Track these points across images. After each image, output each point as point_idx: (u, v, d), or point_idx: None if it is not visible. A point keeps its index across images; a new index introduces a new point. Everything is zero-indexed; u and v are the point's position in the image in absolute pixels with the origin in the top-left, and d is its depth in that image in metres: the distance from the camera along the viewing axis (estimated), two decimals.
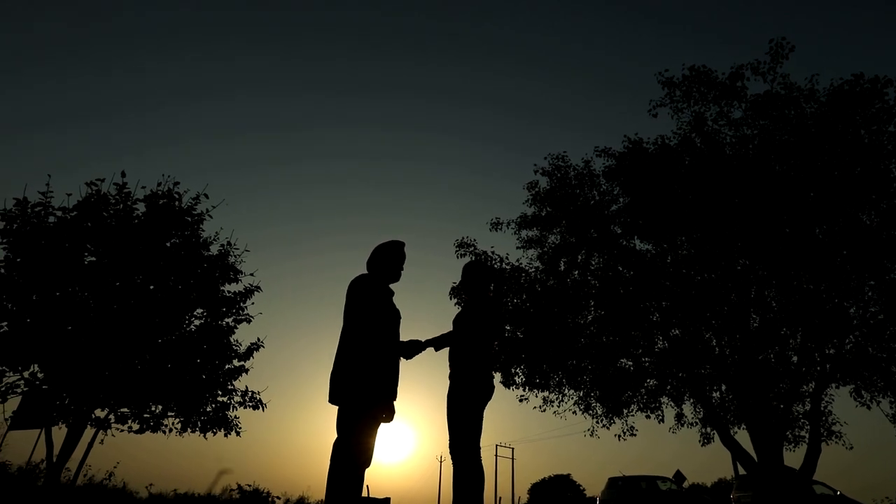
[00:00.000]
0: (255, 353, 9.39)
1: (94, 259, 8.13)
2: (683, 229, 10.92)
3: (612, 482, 15.95)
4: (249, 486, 13.63)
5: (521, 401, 11.90)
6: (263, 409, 9.37)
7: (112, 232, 8.11)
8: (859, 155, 9.60)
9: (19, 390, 7.62)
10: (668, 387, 11.58)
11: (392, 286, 3.16)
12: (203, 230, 9.24)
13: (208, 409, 8.90)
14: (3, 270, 7.50)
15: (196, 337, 8.77)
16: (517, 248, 12.79)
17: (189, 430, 8.83)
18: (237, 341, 9.32)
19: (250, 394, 9.31)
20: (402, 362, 3.25)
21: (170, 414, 8.71)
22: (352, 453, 2.61)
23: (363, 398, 2.69)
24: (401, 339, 3.07)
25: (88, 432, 8.36)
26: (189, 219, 9.00)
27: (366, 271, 3.11)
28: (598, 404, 11.79)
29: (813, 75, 10.28)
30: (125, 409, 8.56)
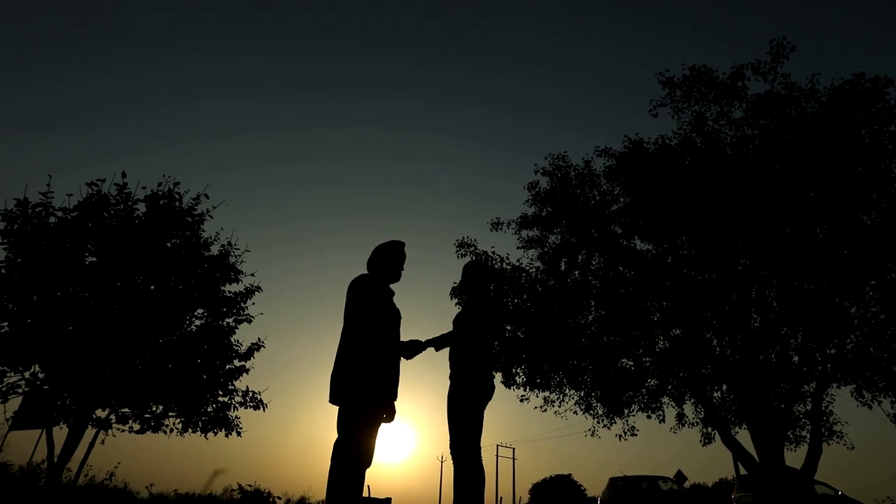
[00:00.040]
0: (255, 354, 9.40)
1: (94, 259, 8.14)
2: (684, 229, 10.91)
3: (613, 482, 15.93)
4: (250, 486, 13.63)
5: (521, 401, 11.90)
6: (264, 410, 9.38)
7: (113, 232, 8.12)
8: (860, 155, 9.59)
9: (20, 390, 7.63)
10: (669, 387, 11.57)
11: (392, 286, 3.16)
12: (203, 230, 9.25)
13: (209, 410, 8.91)
14: (3, 271, 7.51)
15: (197, 337, 8.77)
16: (518, 248, 12.80)
17: (190, 430, 8.84)
18: (238, 341, 9.33)
19: (251, 394, 9.32)
20: (403, 362, 3.24)
21: (170, 414, 8.72)
22: (352, 453, 2.61)
23: (364, 398, 2.69)
24: (401, 340, 3.07)
25: (89, 432, 8.38)
26: (189, 219, 9.00)
27: (366, 271, 3.11)
28: (598, 404, 11.78)
29: (814, 75, 10.27)
30: (126, 410, 8.57)
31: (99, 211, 8.18)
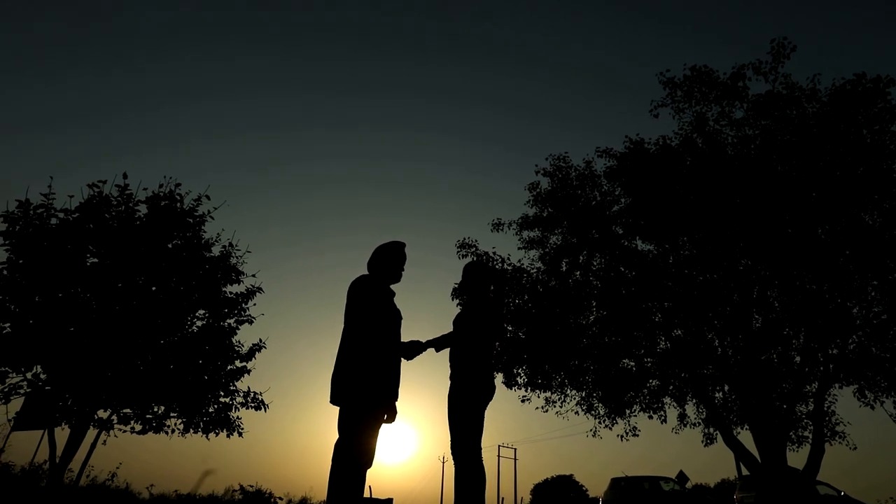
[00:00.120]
0: (256, 354, 9.41)
1: (96, 260, 8.15)
2: (685, 230, 10.90)
3: (615, 483, 15.92)
4: (251, 486, 13.65)
5: (523, 401, 11.89)
6: (265, 410, 9.38)
7: (114, 233, 8.13)
8: (862, 155, 9.57)
9: (22, 391, 7.65)
10: (671, 387, 11.56)
11: (393, 287, 3.16)
12: (205, 231, 9.26)
13: (210, 410, 8.92)
14: (5, 272, 7.52)
15: (198, 338, 8.78)
16: (519, 248, 12.79)
17: (191, 430, 8.85)
18: (239, 342, 9.34)
19: (252, 394, 9.32)
20: (404, 363, 3.25)
21: (172, 415, 8.73)
22: (353, 454, 2.61)
23: (364, 399, 2.69)
24: (401, 340, 3.07)
25: (91, 433, 8.40)
26: (191, 220, 9.01)
27: (367, 272, 3.11)
28: (600, 405, 11.77)
29: (815, 75, 10.26)
30: (128, 410, 8.58)
31: (100, 212, 8.19)
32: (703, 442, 12.28)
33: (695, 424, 12.43)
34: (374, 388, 2.73)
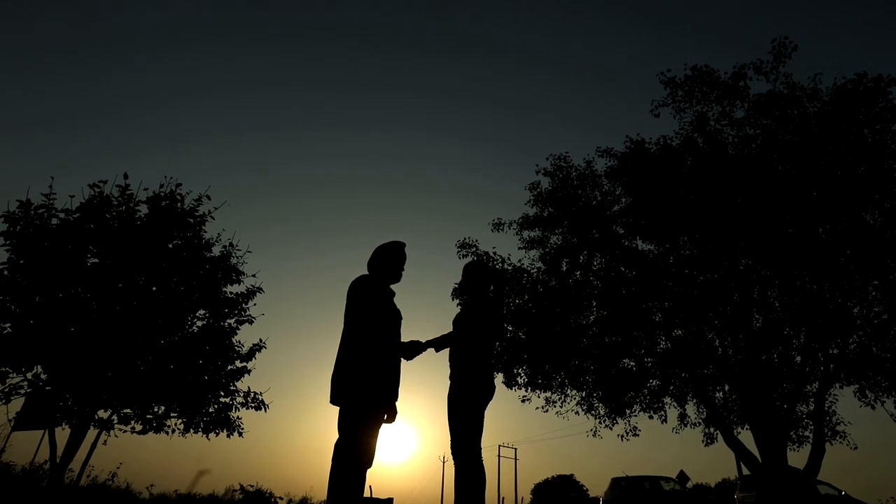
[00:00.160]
0: (257, 354, 9.41)
1: (96, 261, 8.15)
2: (686, 229, 10.89)
3: (616, 482, 15.91)
4: (252, 486, 13.66)
5: (523, 401, 11.89)
6: (266, 410, 9.38)
7: (115, 233, 8.14)
8: (863, 154, 9.56)
9: (23, 391, 7.66)
10: (671, 387, 11.55)
11: (393, 287, 3.16)
12: (205, 231, 9.26)
13: (211, 410, 8.92)
14: (6, 272, 7.53)
15: (198, 338, 8.79)
16: (519, 248, 12.79)
17: (192, 430, 8.85)
18: (239, 342, 9.34)
19: (252, 394, 9.32)
20: (404, 363, 3.25)
21: (172, 415, 8.73)
22: (353, 454, 2.61)
23: (364, 399, 2.69)
24: (401, 340, 3.07)
25: (91, 433, 8.39)
26: (191, 220, 9.02)
27: (367, 272, 3.10)
28: (600, 405, 11.76)
29: (816, 74, 10.24)
30: (128, 410, 8.59)
31: (101, 212, 8.20)
32: (703, 442, 12.27)
33: (695, 424, 12.42)
34: (374, 388, 2.73)
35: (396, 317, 3.01)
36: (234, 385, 9.19)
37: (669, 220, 10.78)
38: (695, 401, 11.91)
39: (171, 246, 8.78)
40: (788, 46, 10.13)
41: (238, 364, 9.24)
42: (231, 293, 9.35)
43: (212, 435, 8.97)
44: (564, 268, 11.95)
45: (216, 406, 8.97)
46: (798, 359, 10.42)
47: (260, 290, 9.63)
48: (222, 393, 9.03)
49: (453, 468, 2.89)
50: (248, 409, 9.25)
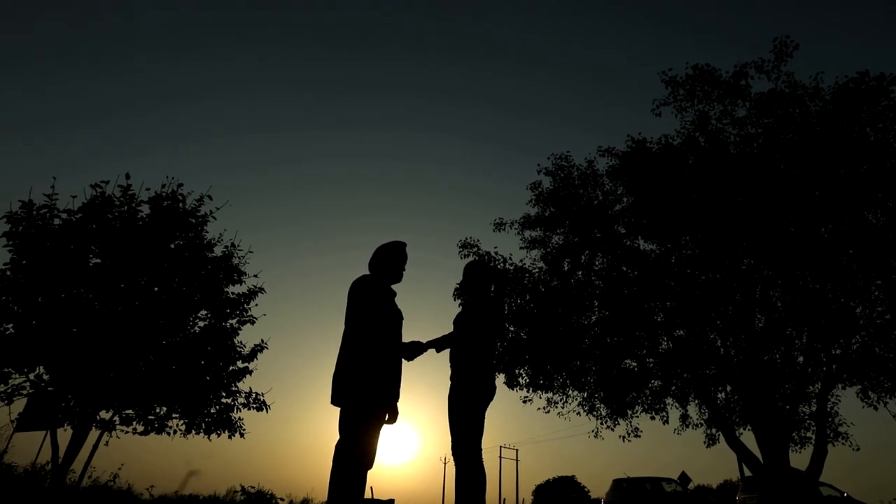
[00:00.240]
0: (258, 355, 9.41)
1: (98, 261, 8.16)
2: (688, 229, 10.87)
3: (617, 484, 15.88)
4: (253, 487, 13.66)
5: (524, 402, 11.87)
6: (267, 411, 9.38)
7: (116, 234, 8.15)
8: (865, 153, 9.53)
9: (25, 392, 7.66)
10: (673, 388, 11.52)
11: (394, 287, 3.15)
12: (207, 232, 9.27)
13: (212, 411, 8.92)
14: (8, 272, 7.54)
15: (200, 338, 8.79)
16: (520, 248, 12.78)
17: (193, 431, 8.85)
18: (241, 343, 9.34)
19: (254, 395, 9.32)
20: (405, 363, 3.23)
21: (174, 415, 8.73)
22: (354, 455, 2.60)
23: (365, 399, 2.69)
24: (402, 341, 3.06)
25: (93, 434, 8.40)
26: (193, 220, 9.02)
27: (368, 272, 3.10)
28: (602, 405, 11.74)
29: (818, 73, 10.22)
30: (130, 411, 8.59)
31: (103, 213, 8.21)
32: (705, 443, 12.23)
33: (697, 425, 12.38)
34: (375, 389, 2.72)
35: (398, 317, 3.00)
36: (236, 386, 9.19)
37: (671, 219, 10.76)
38: (696, 401, 11.88)
39: (172, 246, 8.78)
40: (790, 45, 10.11)
41: (240, 365, 9.24)
42: (233, 293, 9.35)
43: (213, 436, 8.97)
44: (566, 268, 11.94)
45: (218, 407, 8.96)
46: (800, 359, 10.39)
47: (261, 290, 9.63)
48: (224, 393, 9.03)
49: (454, 469, 2.88)
50: (249, 409, 9.24)
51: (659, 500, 14.79)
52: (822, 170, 9.74)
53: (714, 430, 12.33)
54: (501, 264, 12.03)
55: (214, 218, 9.34)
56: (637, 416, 11.75)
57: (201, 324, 9.08)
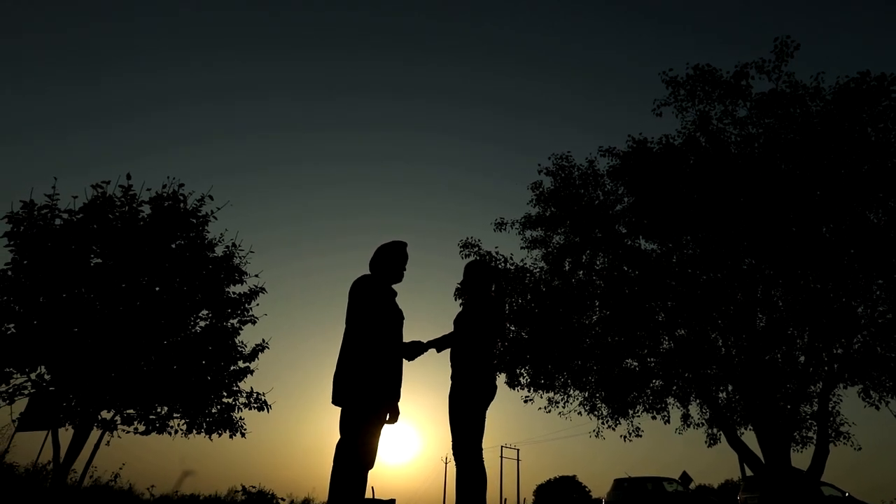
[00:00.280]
0: (260, 355, 9.42)
1: (99, 261, 8.18)
2: (689, 229, 10.86)
3: (618, 483, 15.87)
4: (254, 487, 13.67)
5: (526, 402, 11.86)
6: (268, 411, 9.39)
7: (118, 234, 8.16)
8: (866, 153, 9.52)
9: (26, 392, 7.67)
10: (674, 387, 11.51)
11: (394, 287, 3.15)
12: (208, 232, 9.28)
13: (213, 411, 8.93)
14: (10, 272, 7.56)
15: (201, 338, 8.80)
16: (521, 248, 12.78)
17: (194, 431, 8.86)
18: (242, 342, 9.35)
19: (255, 395, 9.33)
20: (406, 363, 3.24)
21: (175, 415, 8.74)
22: (355, 454, 2.60)
23: (366, 399, 2.69)
24: (403, 340, 3.06)
25: (95, 434, 8.42)
26: (194, 220, 9.03)
27: (368, 272, 3.10)
28: (603, 405, 11.74)
29: (818, 73, 10.21)
30: (131, 411, 8.60)
31: (104, 213, 8.22)
32: (706, 442, 12.21)
33: (698, 425, 12.37)
34: (376, 389, 2.72)
35: (398, 317, 3.01)
36: (237, 385, 9.20)
37: (672, 219, 10.75)
38: (698, 401, 11.87)
39: (173, 246, 8.79)
40: (791, 45, 10.10)
41: (241, 364, 9.25)
42: (234, 293, 9.36)
43: (214, 435, 8.98)
44: (567, 267, 11.93)
45: (219, 406, 8.97)
46: (802, 359, 10.38)
47: (262, 290, 9.64)
48: (225, 393, 9.04)
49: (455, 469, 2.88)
50: (250, 409, 9.25)
51: (660, 499, 14.77)
52: (824, 170, 9.73)
53: (715, 430, 12.31)
54: (502, 264, 12.02)
55: (215, 218, 9.35)
56: (638, 416, 11.75)
57: (202, 324, 9.09)
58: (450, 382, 3.08)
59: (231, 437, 9.06)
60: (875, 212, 9.73)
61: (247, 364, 9.31)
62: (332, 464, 2.63)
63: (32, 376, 7.73)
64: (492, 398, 2.98)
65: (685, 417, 12.27)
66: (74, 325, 7.75)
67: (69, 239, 7.86)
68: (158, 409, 8.70)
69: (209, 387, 8.76)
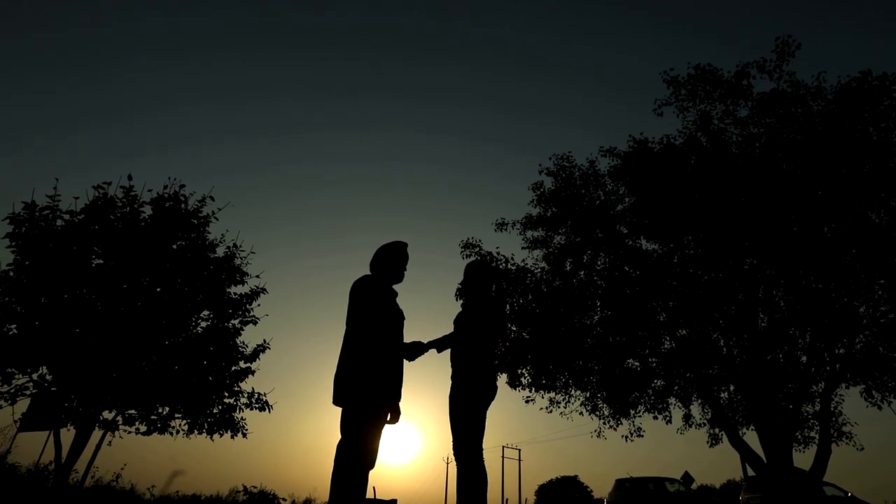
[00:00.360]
0: (261, 355, 9.42)
1: (101, 262, 8.19)
2: (690, 229, 10.85)
3: (620, 484, 15.86)
4: (255, 487, 13.68)
5: (527, 402, 11.85)
6: (270, 411, 9.39)
7: (119, 234, 8.17)
8: (868, 152, 9.51)
9: (28, 392, 7.69)
10: (676, 387, 11.49)
11: (394, 287, 3.15)
12: (209, 232, 9.29)
13: (215, 411, 8.93)
14: (11, 273, 7.57)
15: (203, 339, 8.81)
16: (523, 248, 12.77)
17: (196, 431, 8.86)
18: (243, 343, 9.35)
19: (257, 395, 9.33)
20: (407, 363, 3.23)
21: (177, 415, 8.75)
22: (356, 455, 2.60)
23: (367, 399, 2.69)
24: (404, 340, 3.06)
25: (96, 434, 8.43)
26: (195, 221, 9.04)
27: (369, 272, 3.10)
28: (604, 405, 11.72)
29: (820, 73, 10.20)
30: (133, 411, 8.61)
31: (105, 213, 8.23)
32: (708, 443, 12.19)
33: (700, 425, 12.36)
34: (377, 389, 2.72)
35: (399, 317, 3.01)
36: (239, 386, 9.20)
37: (673, 219, 10.74)
38: (700, 401, 11.86)
39: (175, 247, 8.80)
40: (792, 45, 10.09)
41: (242, 365, 9.25)
42: (235, 294, 9.37)
43: (216, 436, 8.98)
44: (568, 268, 11.93)
45: (220, 407, 8.97)
46: (804, 359, 10.36)
47: (264, 290, 9.64)
48: (226, 394, 9.04)
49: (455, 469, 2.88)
50: (252, 409, 9.25)
51: (662, 500, 14.76)
52: (825, 169, 9.72)
53: (717, 430, 12.30)
54: (503, 264, 12.02)
55: (216, 219, 9.36)
56: (640, 416, 11.74)
57: (204, 324, 9.10)
58: (450, 382, 3.08)
59: (233, 437, 9.06)
60: (877, 211, 9.72)
61: (248, 364, 9.31)
62: (332, 464, 2.63)
63: (34, 377, 7.75)
64: (492, 398, 2.98)
65: (687, 417, 12.26)
66: (76, 325, 7.76)
67: (71, 240, 7.87)
68: (160, 410, 8.70)
69: (210, 387, 8.76)
